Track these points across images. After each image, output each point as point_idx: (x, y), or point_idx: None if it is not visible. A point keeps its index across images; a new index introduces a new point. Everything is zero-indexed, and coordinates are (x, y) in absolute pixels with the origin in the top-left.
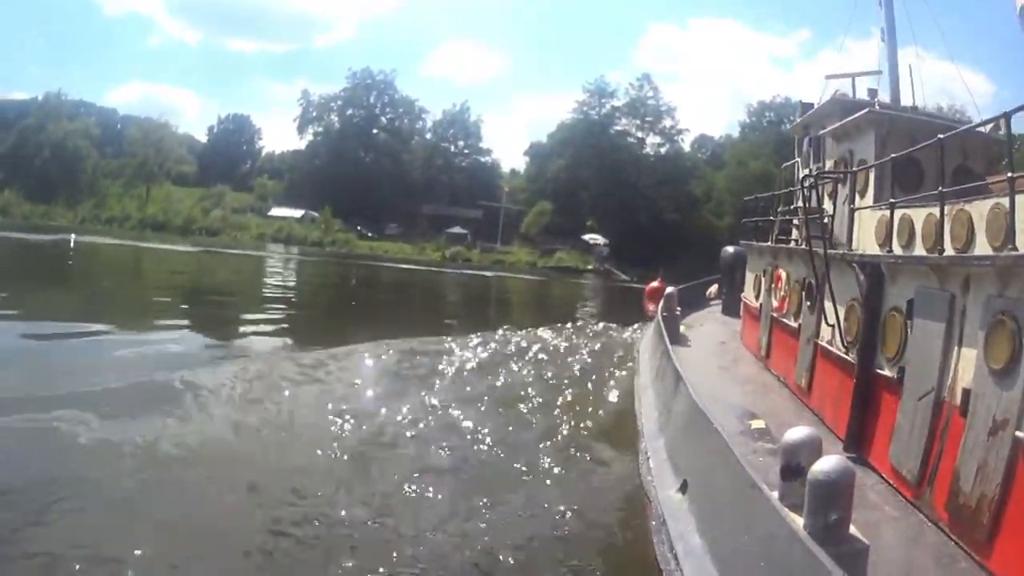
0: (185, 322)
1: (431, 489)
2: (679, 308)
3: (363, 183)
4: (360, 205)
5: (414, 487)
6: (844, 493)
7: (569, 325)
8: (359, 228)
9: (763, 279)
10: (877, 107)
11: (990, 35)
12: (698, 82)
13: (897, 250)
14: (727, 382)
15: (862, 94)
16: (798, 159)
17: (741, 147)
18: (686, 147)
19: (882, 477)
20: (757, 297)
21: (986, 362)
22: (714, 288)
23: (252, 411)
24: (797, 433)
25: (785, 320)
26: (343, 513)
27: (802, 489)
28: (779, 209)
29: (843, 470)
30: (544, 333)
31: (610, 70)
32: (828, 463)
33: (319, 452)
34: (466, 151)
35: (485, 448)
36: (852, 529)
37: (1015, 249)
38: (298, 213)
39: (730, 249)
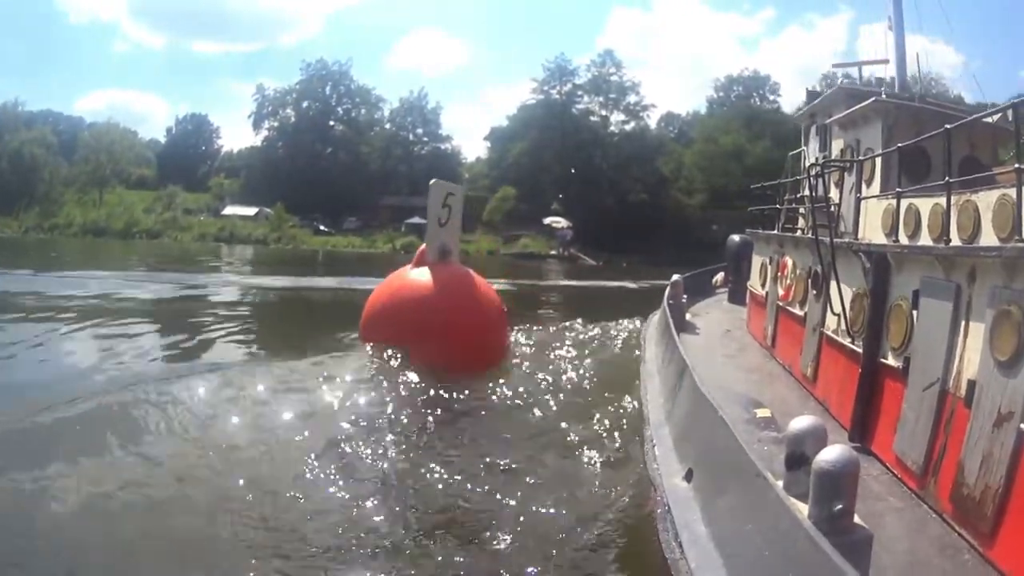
0: None
1: (431, 474)
2: (685, 296)
3: (321, 177)
4: (319, 200)
5: (411, 473)
6: (848, 483)
7: None
8: (315, 223)
9: (769, 267)
10: (884, 96)
11: (957, 5)
12: (663, 63)
13: (903, 240)
14: (732, 370)
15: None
16: (804, 147)
17: (709, 123)
18: (652, 124)
19: (886, 467)
20: (763, 285)
21: (991, 353)
22: (720, 276)
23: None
24: (802, 422)
25: (791, 309)
26: (334, 494)
27: (807, 478)
28: (786, 197)
29: (848, 460)
30: None
31: (576, 55)
32: (833, 453)
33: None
34: (425, 139)
35: (480, 436)
36: (856, 519)
37: (1022, 240)
38: (251, 211)
39: (736, 238)
